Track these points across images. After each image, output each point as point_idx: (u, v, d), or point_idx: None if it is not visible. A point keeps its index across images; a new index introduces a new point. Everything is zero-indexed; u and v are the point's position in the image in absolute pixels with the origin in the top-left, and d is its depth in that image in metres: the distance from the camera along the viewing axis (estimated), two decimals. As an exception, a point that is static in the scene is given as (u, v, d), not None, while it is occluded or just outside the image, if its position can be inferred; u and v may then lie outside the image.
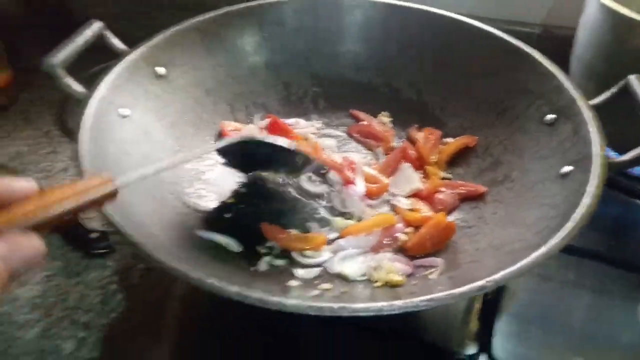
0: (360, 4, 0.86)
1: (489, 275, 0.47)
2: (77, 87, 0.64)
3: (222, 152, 0.66)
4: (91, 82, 0.65)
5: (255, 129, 0.80)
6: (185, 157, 0.65)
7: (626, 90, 0.63)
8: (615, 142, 0.63)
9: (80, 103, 0.63)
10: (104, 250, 0.73)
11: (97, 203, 0.42)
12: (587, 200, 0.52)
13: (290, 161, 0.64)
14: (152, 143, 0.69)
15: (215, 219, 0.69)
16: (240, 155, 0.64)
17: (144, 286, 0.69)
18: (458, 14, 0.82)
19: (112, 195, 0.42)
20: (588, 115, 0.63)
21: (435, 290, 0.47)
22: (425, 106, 0.85)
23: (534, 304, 0.68)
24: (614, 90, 0.65)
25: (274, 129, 0.81)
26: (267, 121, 0.81)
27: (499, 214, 0.66)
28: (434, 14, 0.83)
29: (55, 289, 0.69)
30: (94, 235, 0.74)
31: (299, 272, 0.61)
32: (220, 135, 0.80)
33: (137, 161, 0.64)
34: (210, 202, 0.71)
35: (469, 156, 0.78)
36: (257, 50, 0.86)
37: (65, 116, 1.00)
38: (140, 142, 0.67)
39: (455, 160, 0.79)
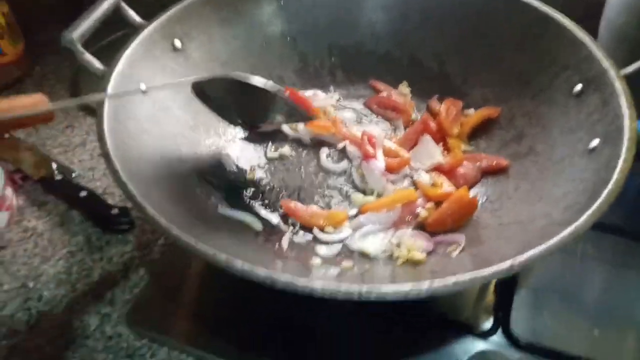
0: (381, -28, 0.83)
1: (514, 254, 0.46)
2: (96, 63, 0.63)
3: (200, 92, 0.63)
4: (106, 54, 0.64)
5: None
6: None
7: (661, 60, 0.61)
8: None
9: (98, 78, 0.63)
10: (125, 227, 0.74)
11: (31, 121, 0.46)
12: (617, 176, 0.50)
13: (270, 103, 0.61)
14: (169, 119, 0.69)
15: (236, 196, 0.68)
16: (222, 98, 0.62)
17: (165, 261, 0.70)
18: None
19: (47, 117, 0.45)
20: (619, 87, 0.60)
21: (459, 269, 0.46)
22: (447, 77, 0.83)
23: (552, 278, 0.67)
24: (647, 59, 0.62)
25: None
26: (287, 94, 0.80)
27: (522, 188, 0.65)
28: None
29: (78, 264, 0.70)
30: (114, 211, 0.74)
31: (321, 249, 0.61)
32: None
33: (155, 139, 0.64)
34: (230, 178, 0.71)
35: (491, 128, 0.76)
36: (273, 20, 0.84)
37: (79, 90, 1.00)
38: (158, 119, 0.67)
39: (477, 133, 0.77)
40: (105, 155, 0.54)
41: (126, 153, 0.57)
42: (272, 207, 0.68)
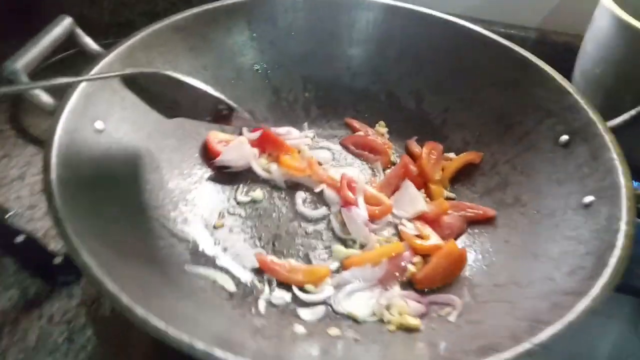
0: (358, 4, 0.80)
1: (524, 326, 0.43)
2: (45, 97, 0.55)
3: (132, 84, 0.57)
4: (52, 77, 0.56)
5: (245, 143, 0.72)
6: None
7: (648, 113, 0.60)
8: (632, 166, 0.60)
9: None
10: (71, 278, 0.63)
11: None
12: (623, 241, 0.48)
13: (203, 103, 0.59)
14: (128, 161, 0.61)
15: (204, 250, 0.61)
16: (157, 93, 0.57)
17: (116, 319, 0.61)
18: (452, 15, 0.77)
19: None
20: (608, 139, 0.59)
21: (461, 342, 0.42)
22: (425, 116, 0.80)
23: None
24: (633, 112, 0.62)
25: (265, 141, 0.74)
26: (258, 133, 0.74)
27: (513, 242, 0.62)
28: (438, 18, 0.77)
29: (11, 325, 0.59)
30: (57, 260, 0.64)
31: (304, 313, 0.55)
32: (206, 148, 0.72)
33: (112, 185, 0.56)
34: (198, 227, 0.64)
35: (473, 174, 0.74)
36: (245, 51, 0.78)
37: (20, 113, 0.88)
38: (117, 160, 0.59)
39: (458, 178, 0.74)
40: (51, 208, 0.46)
41: (75, 201, 0.49)
42: (245, 261, 0.61)
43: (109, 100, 0.61)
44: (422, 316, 0.55)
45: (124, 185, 0.58)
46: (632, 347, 0.64)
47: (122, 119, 0.62)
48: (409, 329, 0.53)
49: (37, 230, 0.69)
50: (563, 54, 0.91)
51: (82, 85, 0.57)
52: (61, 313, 0.61)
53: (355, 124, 0.81)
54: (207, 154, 0.72)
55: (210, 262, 0.60)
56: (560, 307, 0.44)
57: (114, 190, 0.56)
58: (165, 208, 0.62)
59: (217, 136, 0.73)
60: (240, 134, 0.76)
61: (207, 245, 0.62)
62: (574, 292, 0.45)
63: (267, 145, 0.74)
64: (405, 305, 0.55)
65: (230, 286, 0.57)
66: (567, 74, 0.81)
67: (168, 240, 0.59)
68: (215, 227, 0.65)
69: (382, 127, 0.81)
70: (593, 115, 0.62)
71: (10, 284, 0.63)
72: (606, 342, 0.65)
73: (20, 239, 0.66)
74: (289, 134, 0.78)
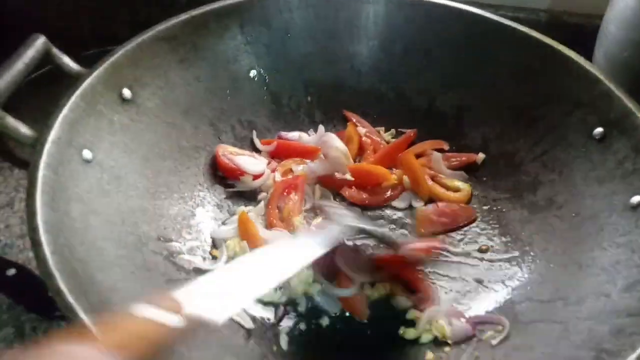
0: (358, -3, 0.73)
1: (583, 354, 0.37)
2: (22, 128, 0.49)
3: None
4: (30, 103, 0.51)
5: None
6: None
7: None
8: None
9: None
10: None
11: None
12: (689, 250, 0.42)
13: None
14: (123, 191, 0.55)
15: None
16: None
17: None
18: (459, 2, 0.71)
19: None
20: (651, 131, 0.53)
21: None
22: (439, 115, 0.74)
23: None
24: (674, 98, 0.56)
25: (281, 150, 0.71)
26: (273, 145, 0.71)
27: (552, 251, 0.57)
28: (445, 6, 0.71)
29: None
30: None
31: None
32: (216, 163, 0.67)
33: (106, 221, 0.50)
34: (205, 256, 0.58)
35: (498, 174, 0.68)
36: (240, 57, 0.72)
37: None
38: (109, 191, 0.53)
39: (481, 178, 0.69)
40: (38, 253, 0.40)
41: (67, 248, 0.43)
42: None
43: (95, 126, 0.55)
44: (468, 340, 0.50)
45: (119, 220, 0.52)
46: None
47: (112, 144, 0.57)
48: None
49: (29, 260, 0.64)
50: (577, 36, 0.84)
51: (64, 111, 0.51)
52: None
53: (354, 118, 0.76)
54: (217, 169, 0.68)
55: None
56: (627, 333, 0.38)
57: (108, 228, 0.50)
58: (167, 238, 0.57)
59: (225, 149, 0.68)
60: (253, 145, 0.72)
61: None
62: (635, 312, 0.40)
63: (284, 153, 0.71)
64: (445, 327, 0.50)
65: (247, 322, 0.51)
66: (585, 58, 0.75)
67: (173, 275, 0.53)
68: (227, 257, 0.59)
69: (388, 136, 0.75)
70: (630, 104, 0.56)
71: (4, 321, 0.58)
72: None
73: (12, 271, 0.62)
74: (300, 139, 0.72)
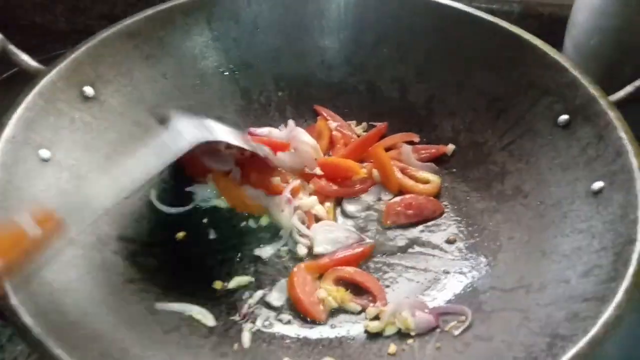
0: (327, -10, 0.73)
1: (539, 340, 0.37)
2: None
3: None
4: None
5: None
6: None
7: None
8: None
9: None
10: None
11: None
12: (644, 234, 0.42)
13: None
14: (86, 190, 0.54)
15: (174, 281, 0.55)
16: None
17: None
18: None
19: None
20: (614, 117, 0.53)
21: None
22: (411, 106, 0.73)
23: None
24: (637, 84, 0.56)
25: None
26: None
27: (517, 239, 0.56)
28: (415, -2, 0.71)
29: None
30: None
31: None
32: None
33: (69, 221, 0.49)
34: (168, 256, 0.57)
35: (468, 165, 0.67)
36: (207, 53, 0.72)
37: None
38: (69, 192, 0.52)
39: (451, 170, 0.68)
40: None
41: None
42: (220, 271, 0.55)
43: (54, 125, 0.54)
44: (431, 331, 0.49)
45: (79, 220, 0.51)
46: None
47: (74, 143, 0.56)
48: (411, 349, 0.47)
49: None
50: (550, 26, 0.84)
51: (20, 110, 0.51)
52: (25, 355, 0.54)
53: (324, 112, 0.75)
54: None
55: (184, 294, 0.53)
56: (580, 317, 0.38)
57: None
58: (129, 238, 0.56)
59: None
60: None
61: (179, 275, 0.56)
62: (594, 297, 0.40)
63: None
64: (409, 319, 0.49)
65: (210, 320, 0.51)
66: (557, 47, 0.75)
67: (133, 275, 0.52)
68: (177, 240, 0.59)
69: (360, 130, 0.75)
70: (594, 90, 0.56)
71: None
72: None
73: None
74: (271, 134, 0.71)
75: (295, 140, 0.68)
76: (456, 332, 0.48)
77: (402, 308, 0.51)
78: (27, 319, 0.36)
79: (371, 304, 0.54)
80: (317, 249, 0.59)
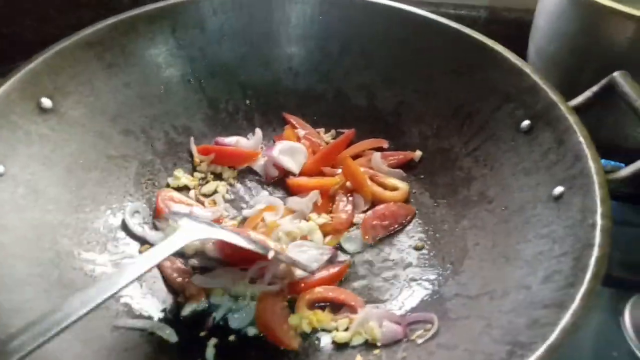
0: (291, -3, 0.72)
1: (500, 349, 0.37)
2: None
3: None
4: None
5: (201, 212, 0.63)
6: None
7: (610, 89, 0.55)
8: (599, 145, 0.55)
9: None
10: None
11: None
12: (600, 239, 0.43)
13: None
14: (41, 204, 0.53)
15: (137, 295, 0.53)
16: None
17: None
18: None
19: None
20: (573, 122, 0.54)
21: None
22: (378, 113, 0.74)
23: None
24: (595, 89, 0.57)
25: (221, 157, 0.69)
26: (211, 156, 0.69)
27: (482, 245, 0.57)
28: (381, 5, 0.71)
29: None
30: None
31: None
32: (155, 210, 0.63)
33: (22, 236, 0.48)
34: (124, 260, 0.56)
35: (435, 171, 0.68)
36: (172, 62, 0.70)
37: None
38: (24, 206, 0.51)
39: (419, 176, 0.69)
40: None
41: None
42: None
43: (8, 138, 0.53)
44: (398, 342, 0.49)
45: (35, 236, 0.50)
46: (615, 338, 0.59)
47: (29, 157, 0.54)
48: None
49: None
50: (517, 31, 0.86)
51: (-31, 124, 0.49)
52: None
53: (293, 120, 0.75)
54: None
55: (146, 311, 0.52)
56: (540, 324, 0.38)
57: (20, 245, 0.48)
58: (89, 253, 0.54)
59: (167, 194, 0.64)
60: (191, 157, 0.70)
61: (141, 291, 0.54)
62: (553, 303, 0.40)
63: (223, 160, 0.70)
64: (377, 328, 0.49)
65: (171, 336, 0.49)
66: (524, 52, 0.76)
67: (85, 282, 0.51)
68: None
69: (328, 137, 0.75)
70: (554, 95, 0.57)
71: None
72: (589, 333, 0.61)
73: None
74: (238, 144, 0.71)
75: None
76: (420, 341, 0.48)
77: (370, 317, 0.51)
78: None
79: (350, 315, 0.53)
80: (297, 274, 0.57)
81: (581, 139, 0.52)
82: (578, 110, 0.56)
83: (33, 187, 0.53)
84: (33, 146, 0.55)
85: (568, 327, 0.37)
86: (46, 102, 0.57)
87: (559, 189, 0.51)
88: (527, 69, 0.60)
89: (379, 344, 0.50)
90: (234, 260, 0.56)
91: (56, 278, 0.48)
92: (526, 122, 0.59)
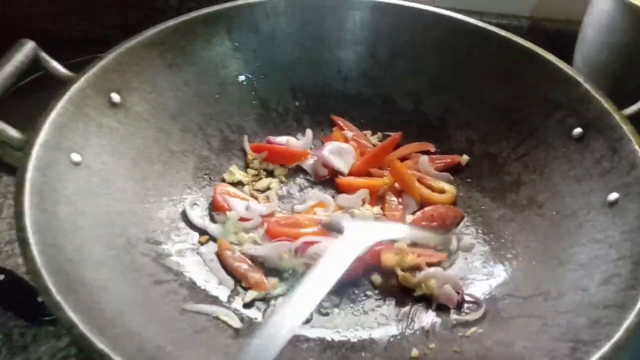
0: (344, 3, 0.75)
1: (561, 346, 0.39)
2: (10, 131, 0.50)
3: None
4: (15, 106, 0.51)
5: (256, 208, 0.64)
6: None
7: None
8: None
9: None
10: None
11: None
12: (662, 244, 0.44)
13: None
14: (112, 192, 0.56)
15: (202, 282, 0.56)
16: None
17: None
18: (441, 8, 0.72)
19: None
20: (627, 130, 0.55)
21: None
22: (425, 118, 0.75)
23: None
24: (651, 98, 0.58)
25: (273, 156, 0.72)
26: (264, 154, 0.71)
27: (533, 248, 0.58)
28: (430, 12, 0.73)
29: (-6, 370, 0.54)
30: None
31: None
32: (213, 203, 0.65)
33: (98, 221, 0.51)
34: (193, 259, 0.58)
35: (482, 175, 0.69)
36: (228, 62, 0.73)
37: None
38: (98, 194, 0.54)
39: (465, 179, 0.70)
40: (26, 252, 0.41)
41: (55, 249, 0.43)
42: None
43: (84, 130, 0.55)
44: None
45: (108, 222, 0.53)
46: None
47: (101, 148, 0.57)
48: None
49: (18, 266, 0.63)
50: (558, 40, 0.87)
51: (53, 115, 0.52)
52: (49, 355, 0.55)
53: (341, 122, 0.77)
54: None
55: (210, 296, 0.54)
56: (602, 323, 0.40)
57: (97, 229, 0.51)
58: (156, 241, 0.57)
59: (224, 188, 0.66)
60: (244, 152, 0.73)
61: (204, 277, 0.57)
62: (614, 304, 0.41)
63: (274, 158, 0.72)
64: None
65: (235, 322, 0.52)
66: (566, 62, 0.77)
67: (161, 277, 0.53)
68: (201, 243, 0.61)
69: (374, 138, 0.76)
70: (607, 104, 0.58)
71: (-8, 326, 0.57)
72: None
73: (0, 277, 0.61)
74: (289, 143, 0.73)
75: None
76: (468, 332, 0.50)
77: (437, 275, 0.55)
78: (72, 315, 0.37)
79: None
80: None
81: (636, 147, 0.53)
82: (631, 119, 0.58)
83: (105, 177, 0.56)
84: (104, 138, 0.58)
85: (632, 326, 0.38)
86: (115, 97, 0.60)
87: (613, 195, 0.52)
88: (579, 77, 0.61)
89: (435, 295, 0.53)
90: None
91: (128, 262, 0.51)
92: (578, 130, 0.60)
